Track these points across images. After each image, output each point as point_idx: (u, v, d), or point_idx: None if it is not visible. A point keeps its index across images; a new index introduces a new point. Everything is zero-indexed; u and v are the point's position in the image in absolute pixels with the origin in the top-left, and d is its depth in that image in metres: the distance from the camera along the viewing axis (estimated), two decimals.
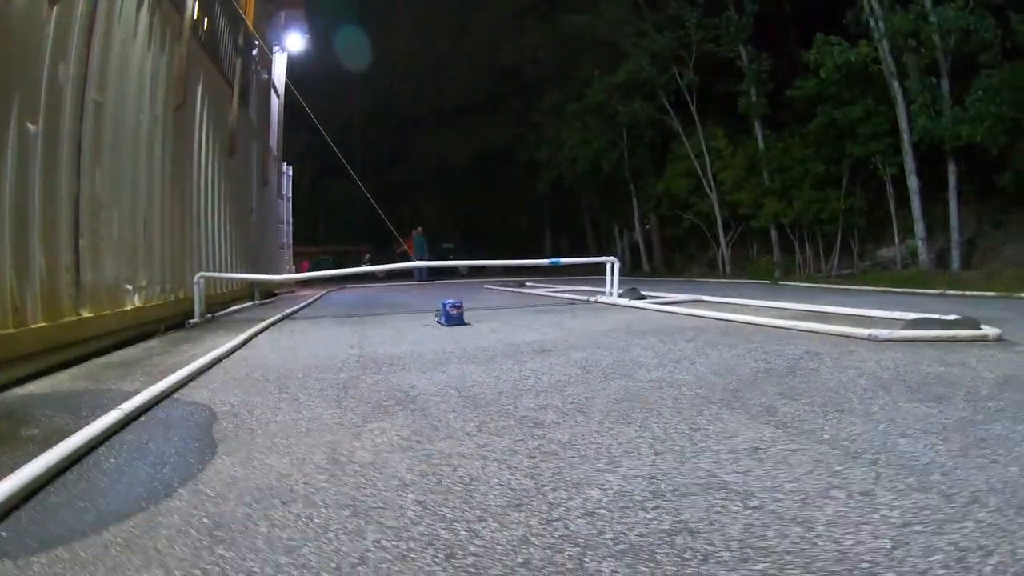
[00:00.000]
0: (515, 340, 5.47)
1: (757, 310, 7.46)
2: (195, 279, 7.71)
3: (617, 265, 10.07)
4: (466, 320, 7.02)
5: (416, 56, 25.80)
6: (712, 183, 19.38)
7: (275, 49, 15.23)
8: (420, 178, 32.70)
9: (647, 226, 23.73)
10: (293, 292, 15.28)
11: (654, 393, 3.30)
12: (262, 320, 7.67)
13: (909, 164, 14.05)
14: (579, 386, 3.49)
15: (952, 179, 13.65)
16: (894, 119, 14.24)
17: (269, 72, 14.72)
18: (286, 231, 16.95)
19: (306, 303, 11.73)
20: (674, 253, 23.31)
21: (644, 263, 23.92)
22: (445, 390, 3.46)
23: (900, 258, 15.07)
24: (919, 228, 14.23)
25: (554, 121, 23.70)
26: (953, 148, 13.22)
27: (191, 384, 3.81)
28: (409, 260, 22.58)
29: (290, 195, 17.39)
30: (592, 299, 9.96)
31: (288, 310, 9.48)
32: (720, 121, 19.30)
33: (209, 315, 8.02)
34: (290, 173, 17.41)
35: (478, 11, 24.38)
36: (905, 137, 13.94)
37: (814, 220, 16.59)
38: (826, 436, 2.53)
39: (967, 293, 10.09)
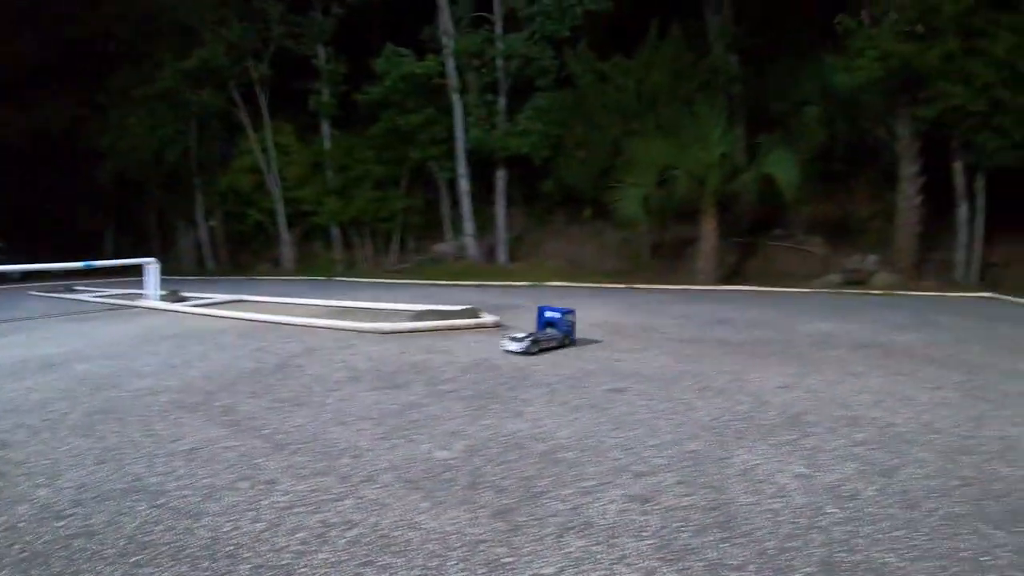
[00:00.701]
0: (29, 354, 5.10)
1: (289, 308, 7.65)
2: None
3: (157, 267, 9.73)
4: None
5: None
6: (277, 179, 18.89)
7: None
8: None
9: (211, 223, 22.00)
10: None
11: (132, 402, 3.39)
12: None
13: (461, 169, 15.50)
14: (64, 401, 3.50)
15: (501, 184, 15.44)
16: (451, 128, 15.53)
17: None
18: None
19: None
20: (239, 250, 21.88)
21: (208, 260, 22.08)
22: None
23: (453, 253, 16.46)
24: (469, 226, 15.78)
25: (121, 105, 20.53)
26: (504, 157, 15.00)
27: None
28: None
29: None
30: (134, 304, 9.55)
31: None
32: (290, 118, 18.89)
33: None
34: None
35: None
36: (459, 145, 15.32)
37: (374, 218, 17.39)
38: (266, 431, 2.73)
39: (504, 283, 11.72)
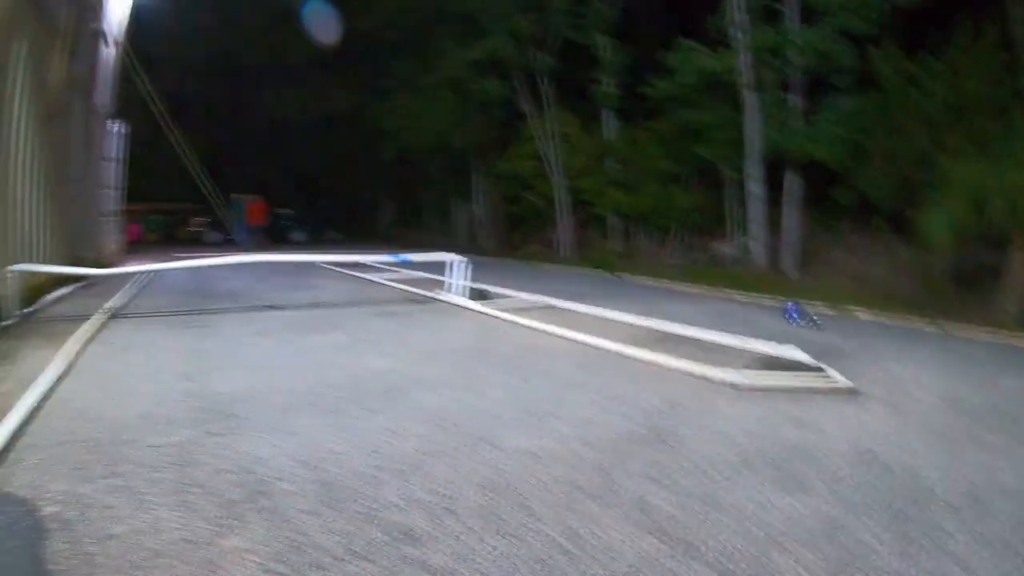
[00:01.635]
0: (360, 369, 5.26)
1: (608, 326, 7.52)
2: (5, 273, 6.80)
3: (461, 264, 9.87)
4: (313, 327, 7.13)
5: (262, 4, 23.75)
6: (557, 167, 19.61)
7: None
8: (259, 137, 30.56)
9: (477, 207, 24.23)
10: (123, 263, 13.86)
11: (522, 474, 3.15)
12: (86, 318, 6.94)
13: (752, 170, 14.78)
14: (439, 461, 3.32)
15: (792, 188, 14.65)
16: (741, 126, 14.86)
17: (101, 17, 13.13)
18: (114, 197, 15.35)
19: (136, 285, 10.78)
20: (513, 231, 23.32)
21: (482, 239, 24.03)
22: (296, 472, 3.18)
23: (732, 254, 15.94)
24: (756, 230, 15.08)
25: (405, 90, 23.05)
26: (798, 161, 14.15)
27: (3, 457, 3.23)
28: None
29: (120, 156, 15.73)
30: (436, 295, 9.96)
31: (115, 301, 8.64)
32: (573, 108, 19.37)
33: (24, 311, 7.13)
34: (123, 131, 15.72)
35: None
36: (752, 145, 14.63)
37: (655, 213, 17.21)
38: (703, 549, 2.48)
39: (802, 301, 10.65)
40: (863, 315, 10.62)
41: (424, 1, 20.23)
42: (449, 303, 9.38)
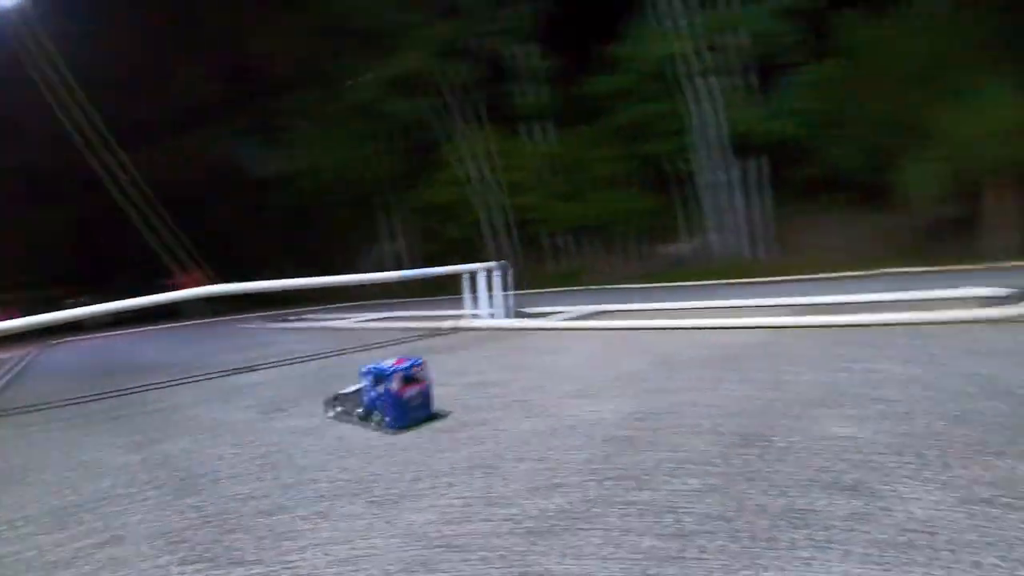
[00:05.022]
0: (609, 424, 2.77)
1: (734, 311, 6.41)
2: None
3: (495, 274, 7.66)
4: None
5: (136, 54, 20.77)
6: (491, 187, 17.77)
7: None
8: (138, 200, 26.67)
9: (400, 241, 21.25)
10: None
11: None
12: None
13: (708, 161, 14.38)
14: None
15: (747, 174, 14.33)
16: (689, 117, 14.47)
17: None
18: None
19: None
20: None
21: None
22: None
23: (693, 254, 15.34)
24: (718, 220, 14.66)
25: (305, 125, 19.96)
26: (760, 143, 13.78)
27: None
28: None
29: None
30: (458, 323, 7.61)
31: None
32: (501, 121, 17.88)
33: None
34: None
35: None
36: (707, 133, 14.22)
37: (606, 222, 16.23)
38: None
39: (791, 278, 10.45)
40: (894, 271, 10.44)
41: (321, 20, 17.60)
42: (491, 327, 7.19)
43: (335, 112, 18.40)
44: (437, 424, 2.98)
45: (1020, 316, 4.48)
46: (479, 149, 17.54)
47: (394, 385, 2.87)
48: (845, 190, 13.77)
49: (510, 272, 7.78)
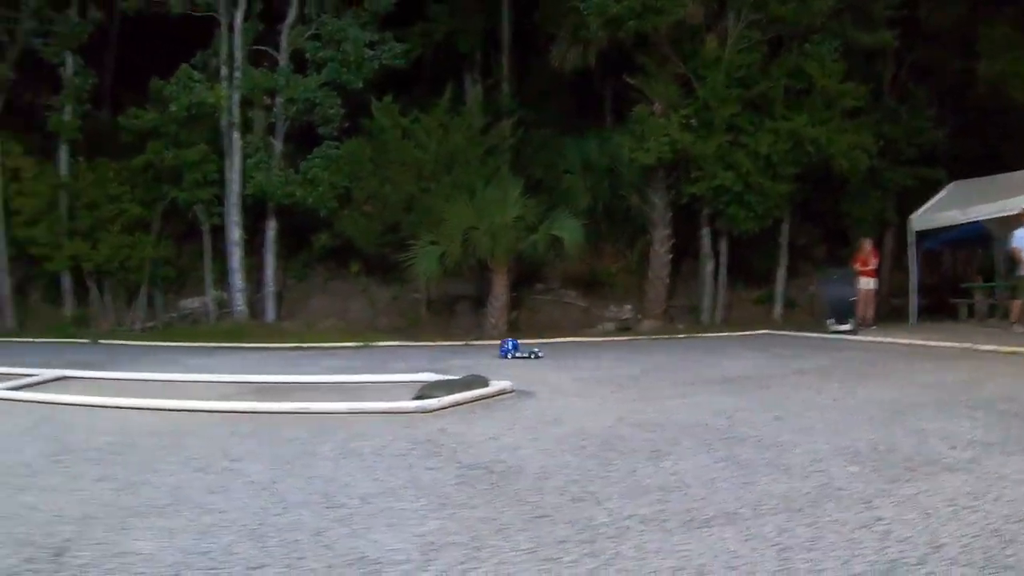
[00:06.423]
0: None
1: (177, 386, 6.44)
2: None
3: None
4: None
5: None
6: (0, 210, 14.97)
7: None
8: None
9: None
10: None
11: None
12: None
13: (234, 216, 14.35)
14: None
15: (271, 235, 14.71)
16: (223, 169, 14.40)
17: None
18: None
19: None
20: None
21: None
22: None
23: (213, 310, 15.08)
24: (237, 279, 14.49)
25: None
26: (279, 206, 14.32)
27: None
28: None
29: None
30: None
31: None
32: (24, 137, 15.40)
33: None
34: None
35: None
36: (234, 188, 14.23)
37: (121, 267, 14.91)
38: None
39: (311, 346, 11.41)
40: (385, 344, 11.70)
41: None
42: None
43: None
44: None
45: (426, 408, 4.91)
46: None
47: None
48: (361, 261, 15.12)
49: None
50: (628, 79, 13.78)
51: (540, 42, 15.36)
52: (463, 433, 4.24)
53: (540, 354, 8.78)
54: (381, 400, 5.37)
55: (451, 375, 6.18)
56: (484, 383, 5.63)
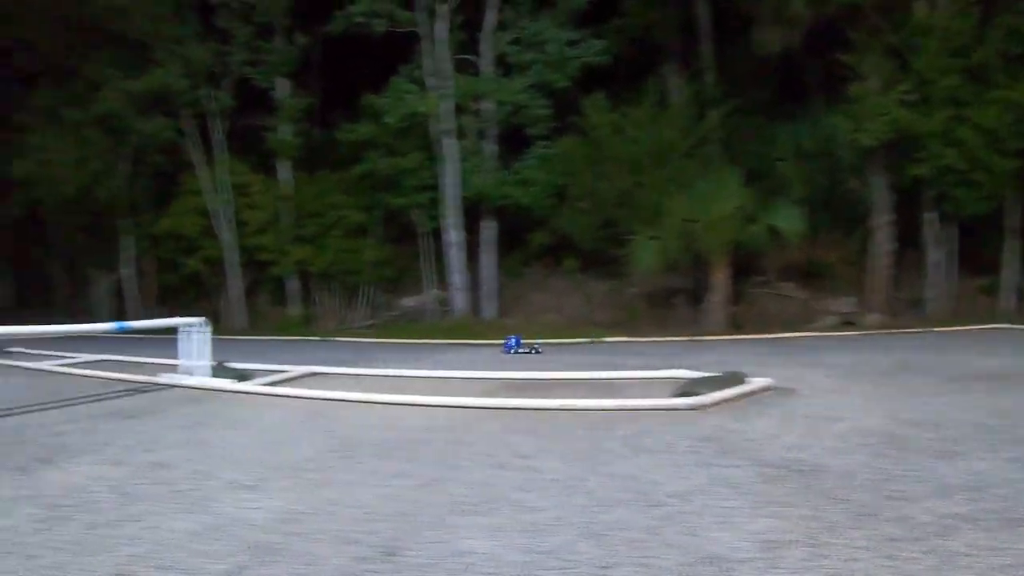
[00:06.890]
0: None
1: (406, 383, 6.83)
2: None
3: (207, 331, 7.25)
4: None
5: None
6: (229, 223, 16.82)
7: None
8: None
9: (123, 271, 18.78)
10: None
11: None
12: None
13: (452, 219, 14.99)
14: None
15: (490, 234, 15.33)
16: (438, 174, 15.10)
17: None
18: None
19: None
20: (168, 304, 18.02)
21: (132, 314, 17.95)
22: None
23: (431, 308, 15.72)
24: (456, 278, 15.19)
25: (42, 126, 16.96)
26: (497, 207, 14.99)
27: None
28: None
29: None
30: (166, 382, 7.18)
31: None
32: (248, 155, 17.27)
33: None
34: None
35: None
36: (451, 192, 14.88)
37: (343, 270, 16.26)
38: None
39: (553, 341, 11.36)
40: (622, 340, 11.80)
41: (77, 18, 15.62)
42: (192, 386, 6.95)
43: (81, 119, 16.33)
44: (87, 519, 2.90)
45: (697, 405, 5.11)
46: (223, 181, 16.78)
47: None
48: (577, 258, 15.31)
49: (208, 328, 7.33)
50: (840, 57, 13.09)
51: (739, 26, 14.90)
52: (744, 431, 4.39)
53: (540, 350, 9.56)
54: (642, 397, 5.59)
55: (703, 372, 6.32)
56: (742, 379, 5.78)
